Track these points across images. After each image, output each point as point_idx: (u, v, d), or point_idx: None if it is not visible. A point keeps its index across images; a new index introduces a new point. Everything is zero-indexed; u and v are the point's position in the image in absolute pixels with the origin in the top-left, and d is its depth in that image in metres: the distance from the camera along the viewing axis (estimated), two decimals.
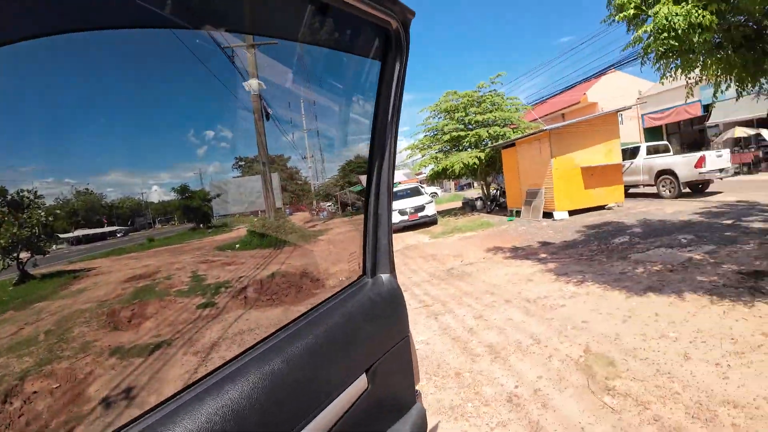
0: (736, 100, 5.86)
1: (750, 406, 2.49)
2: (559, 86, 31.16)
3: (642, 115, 26.12)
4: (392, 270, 1.42)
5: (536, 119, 19.83)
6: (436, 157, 16.59)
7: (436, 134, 16.99)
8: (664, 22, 3.69)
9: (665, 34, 3.78)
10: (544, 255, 7.53)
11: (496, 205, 17.18)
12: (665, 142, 15.93)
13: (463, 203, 19.34)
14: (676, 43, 3.81)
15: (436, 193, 36.84)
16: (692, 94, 5.63)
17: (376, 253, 1.40)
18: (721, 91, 5.45)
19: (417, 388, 1.46)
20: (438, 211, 18.73)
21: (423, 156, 17.61)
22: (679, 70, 4.86)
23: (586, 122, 12.68)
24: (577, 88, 29.64)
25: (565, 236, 8.98)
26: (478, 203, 17.81)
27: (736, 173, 17.44)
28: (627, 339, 3.64)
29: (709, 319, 3.78)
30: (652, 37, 4.03)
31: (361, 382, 1.11)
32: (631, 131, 26.97)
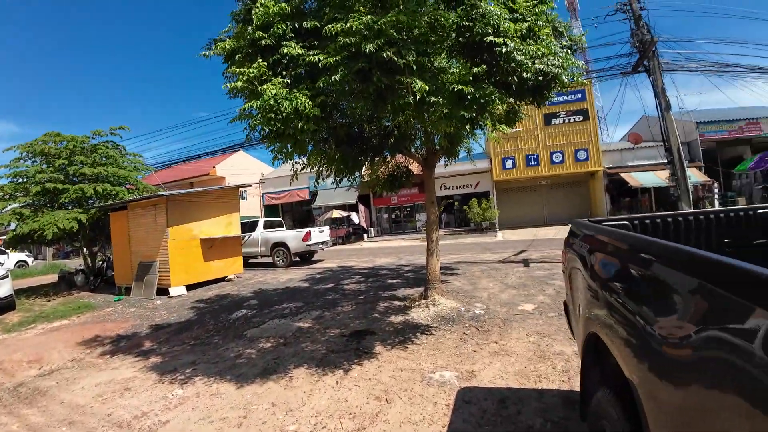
0: (335, 188, 6.82)
1: None
2: (193, 155, 30.59)
3: (263, 194, 29.35)
4: None
5: (159, 184, 18.24)
6: (21, 214, 11.87)
7: (23, 182, 12.38)
8: (271, 102, 3.67)
9: (271, 114, 3.76)
10: (151, 345, 6.13)
11: (102, 280, 13.62)
12: (279, 219, 18.13)
13: (59, 277, 14.42)
14: (282, 126, 3.82)
15: (25, 262, 26.45)
16: (296, 178, 6.20)
17: None
18: (323, 179, 6.16)
19: None
20: (21, 288, 13.37)
21: (2, 209, 12.36)
22: (287, 155, 4.96)
23: (207, 193, 12.36)
24: (208, 160, 30.24)
25: (181, 316, 7.86)
26: (80, 278, 13.63)
27: (334, 244, 21.97)
28: None
29: (324, 395, 3.68)
30: (259, 114, 3.90)
31: None
32: (254, 207, 29.65)
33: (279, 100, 3.58)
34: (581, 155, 22.30)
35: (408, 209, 27.07)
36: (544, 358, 4.08)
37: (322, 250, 15.72)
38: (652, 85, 10.97)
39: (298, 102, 3.55)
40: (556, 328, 4.95)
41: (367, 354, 4.59)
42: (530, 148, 22.90)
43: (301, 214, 30.71)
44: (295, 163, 5.36)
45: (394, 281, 9.12)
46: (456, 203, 26.46)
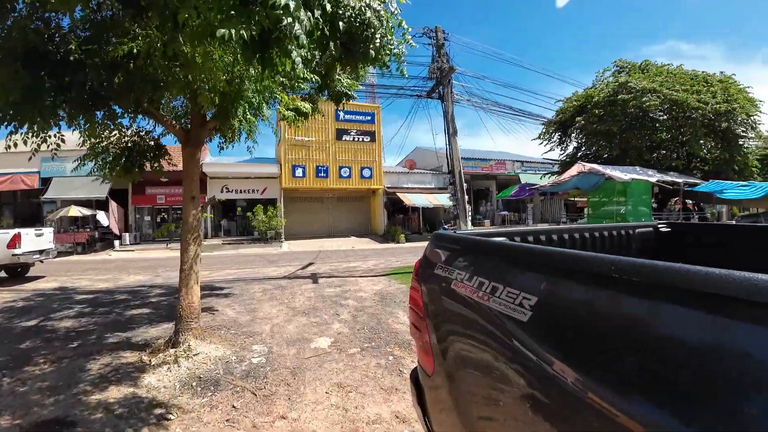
0: (93, 176, 3.89)
1: None
2: None
3: None
4: None
5: None
6: None
7: None
8: None
9: None
10: None
11: None
12: None
13: None
14: None
15: None
16: (35, 155, 3.51)
17: None
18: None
19: None
20: None
21: None
22: None
23: None
24: None
25: None
26: None
27: (69, 253, 16.28)
28: None
29: None
30: None
31: None
32: None
33: None
34: (366, 173, 23.64)
35: (178, 212, 22.83)
36: None
37: (41, 262, 10.94)
38: (444, 112, 11.62)
39: None
40: (362, 374, 3.80)
41: None
42: (321, 159, 22.80)
43: (27, 208, 22.11)
44: None
45: (137, 312, 6.43)
46: (239, 209, 23.93)
